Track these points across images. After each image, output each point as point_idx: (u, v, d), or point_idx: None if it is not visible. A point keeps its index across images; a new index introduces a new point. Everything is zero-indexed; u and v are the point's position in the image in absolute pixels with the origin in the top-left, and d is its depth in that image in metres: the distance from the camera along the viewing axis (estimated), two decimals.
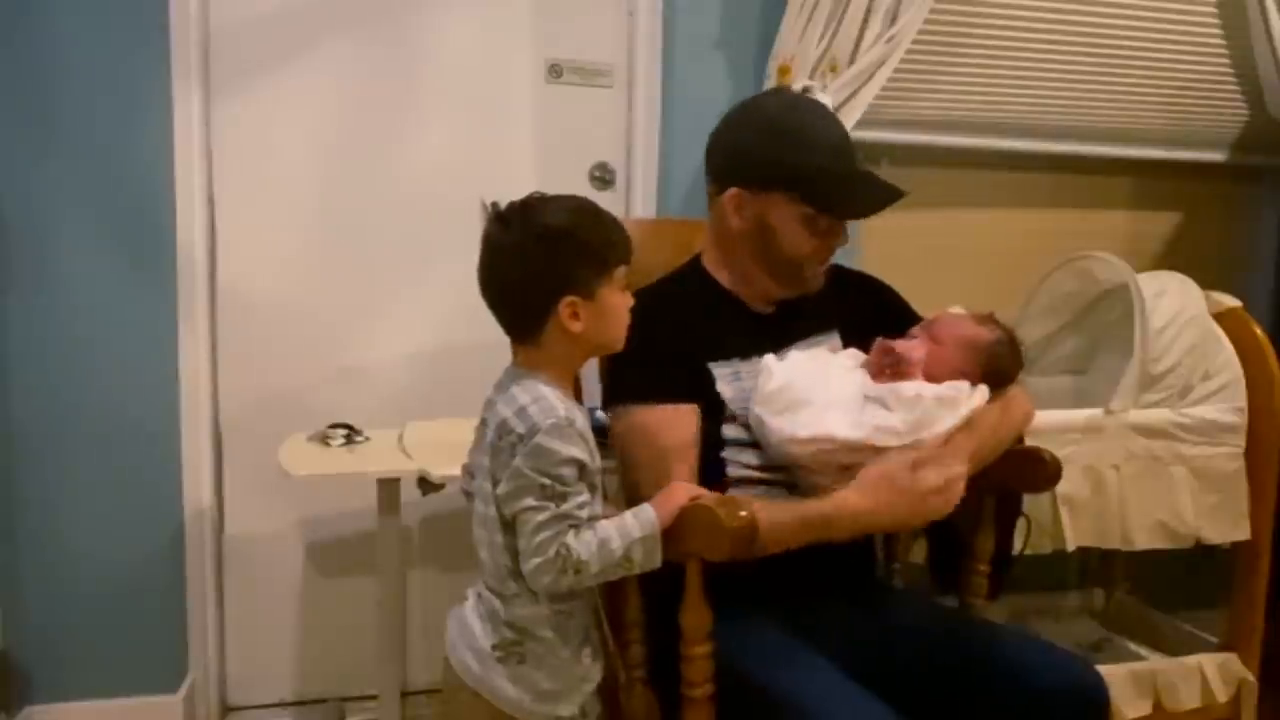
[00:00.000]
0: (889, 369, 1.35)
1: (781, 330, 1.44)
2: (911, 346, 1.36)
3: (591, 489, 1.18)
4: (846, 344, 1.46)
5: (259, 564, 2.20)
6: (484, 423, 1.23)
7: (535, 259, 1.16)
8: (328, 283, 2.17)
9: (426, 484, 1.75)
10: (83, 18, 1.96)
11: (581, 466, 1.15)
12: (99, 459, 2.05)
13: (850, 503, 1.23)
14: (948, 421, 1.28)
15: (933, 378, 1.33)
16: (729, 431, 1.37)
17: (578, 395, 1.30)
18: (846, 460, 1.27)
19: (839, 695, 1.18)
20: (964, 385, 1.33)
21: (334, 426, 1.93)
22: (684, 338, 1.36)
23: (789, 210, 1.38)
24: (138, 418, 2.06)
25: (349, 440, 1.91)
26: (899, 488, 1.23)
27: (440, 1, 2.17)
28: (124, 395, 2.05)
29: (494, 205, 1.21)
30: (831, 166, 1.36)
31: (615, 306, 1.20)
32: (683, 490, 1.19)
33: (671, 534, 1.14)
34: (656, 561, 1.15)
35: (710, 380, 1.37)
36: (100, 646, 2.08)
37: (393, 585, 1.91)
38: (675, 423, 1.32)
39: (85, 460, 2.04)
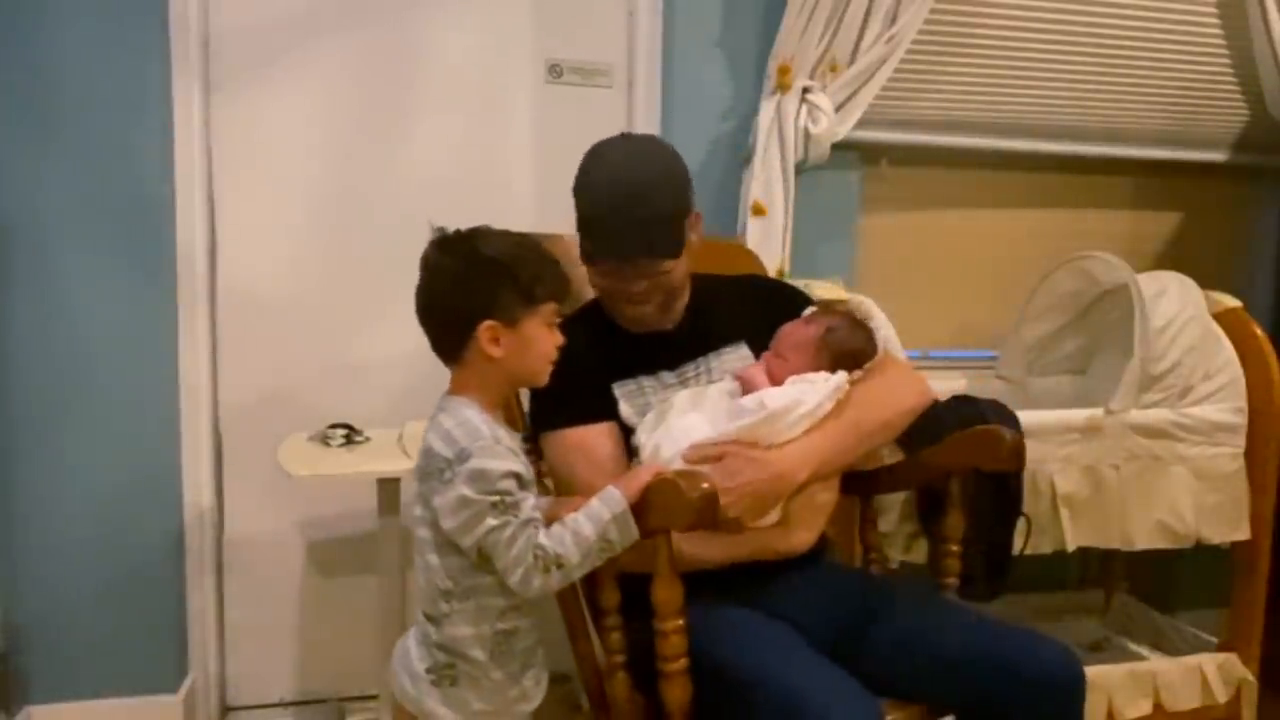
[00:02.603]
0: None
1: (684, 347, 1.52)
2: (758, 369, 1.47)
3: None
4: (756, 351, 1.53)
5: (259, 564, 2.20)
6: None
7: (463, 281, 1.20)
8: (328, 282, 2.17)
9: None
10: (83, 18, 1.96)
11: (518, 477, 1.17)
12: (99, 459, 2.05)
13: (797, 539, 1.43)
14: (806, 403, 1.37)
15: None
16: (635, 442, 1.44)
17: (512, 424, 1.34)
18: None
19: (819, 677, 1.20)
20: (817, 376, 1.41)
21: (334, 426, 1.94)
22: (591, 362, 1.44)
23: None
24: (138, 418, 2.06)
25: (349, 440, 1.92)
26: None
27: (440, 1, 2.17)
28: (124, 395, 2.05)
29: (440, 229, 1.25)
30: (591, 207, 1.42)
31: (537, 340, 1.23)
32: (647, 468, 1.22)
33: (636, 510, 1.17)
34: (634, 535, 1.17)
35: (614, 401, 1.46)
36: (100, 646, 2.08)
37: (393, 585, 1.91)
38: (596, 441, 1.43)
39: (85, 460, 2.04)
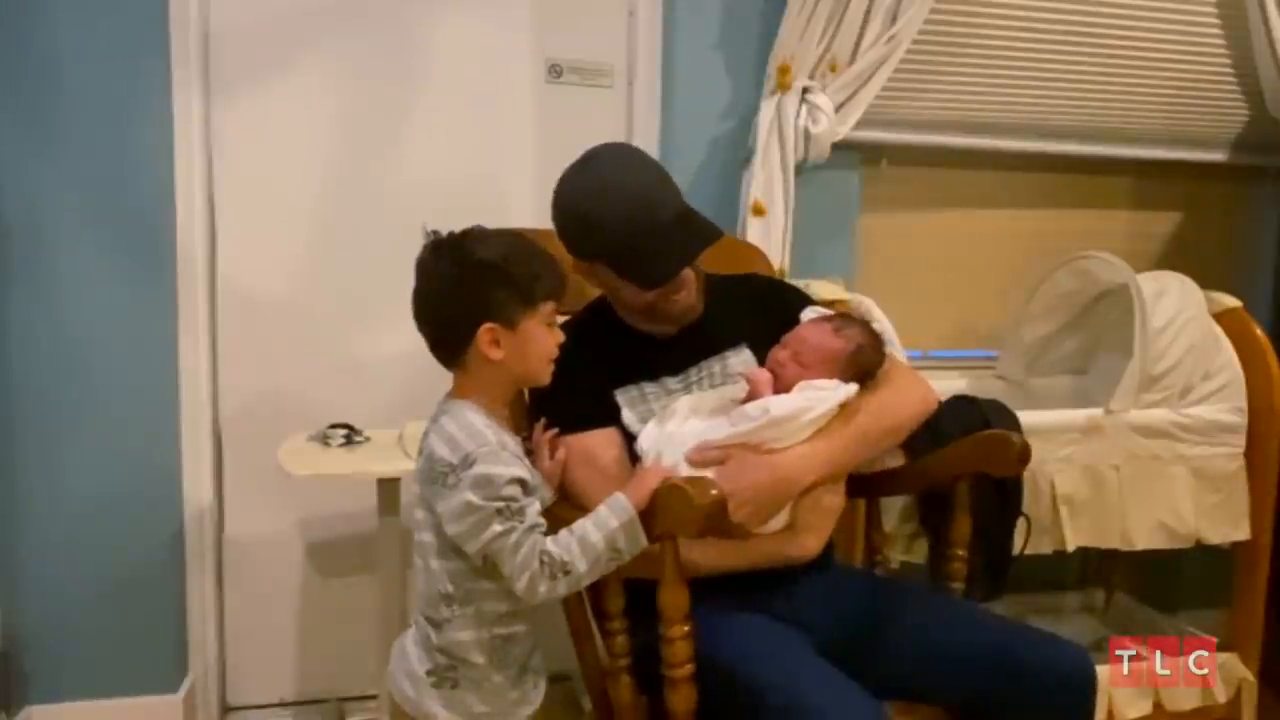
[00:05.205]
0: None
1: (686, 351, 1.50)
2: (765, 377, 1.42)
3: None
4: (757, 353, 1.50)
5: (259, 564, 2.20)
6: (421, 451, 1.24)
7: (460, 286, 1.19)
8: (328, 283, 2.17)
9: None
10: (83, 18, 1.96)
11: (523, 483, 1.17)
12: (99, 459, 2.05)
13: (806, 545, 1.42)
14: (814, 411, 1.36)
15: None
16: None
17: (516, 427, 1.33)
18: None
19: (825, 685, 1.20)
20: (827, 383, 1.39)
21: (334, 426, 1.94)
22: (594, 368, 1.43)
23: (614, 276, 1.42)
24: (138, 418, 2.06)
25: (349, 440, 1.92)
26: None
27: (441, 1, 2.17)
28: (124, 395, 2.05)
29: (434, 233, 1.24)
30: (627, 240, 1.36)
31: (538, 339, 1.22)
32: (654, 474, 1.21)
33: (644, 516, 1.17)
34: (643, 543, 1.17)
35: (616, 408, 1.45)
36: (100, 646, 2.08)
37: (393, 585, 1.91)
38: (599, 447, 1.41)
39: (85, 460, 2.04)
